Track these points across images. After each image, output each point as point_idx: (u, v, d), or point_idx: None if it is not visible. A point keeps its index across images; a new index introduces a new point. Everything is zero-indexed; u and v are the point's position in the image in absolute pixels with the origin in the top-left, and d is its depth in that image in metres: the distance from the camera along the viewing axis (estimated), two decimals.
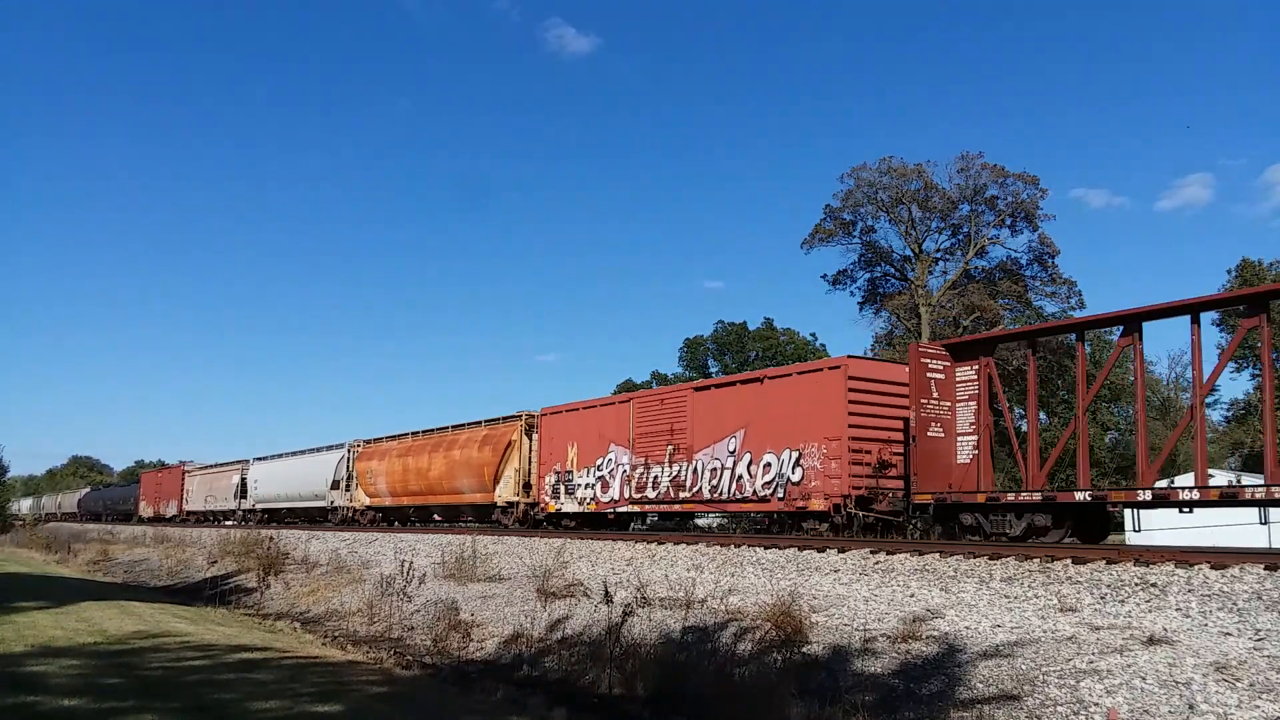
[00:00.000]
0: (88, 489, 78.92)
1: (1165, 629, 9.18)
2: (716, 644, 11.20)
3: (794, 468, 18.17)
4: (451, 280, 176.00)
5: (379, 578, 17.97)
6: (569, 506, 24.34)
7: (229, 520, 43.74)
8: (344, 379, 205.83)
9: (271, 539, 25.76)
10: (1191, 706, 7.42)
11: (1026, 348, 16.65)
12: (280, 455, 42.25)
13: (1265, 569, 10.03)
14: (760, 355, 62.84)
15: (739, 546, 16.39)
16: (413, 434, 32.80)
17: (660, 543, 18.08)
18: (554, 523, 24.82)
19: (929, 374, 16.68)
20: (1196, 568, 10.57)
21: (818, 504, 17.53)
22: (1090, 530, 14.87)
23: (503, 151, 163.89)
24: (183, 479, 51.71)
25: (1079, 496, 14.08)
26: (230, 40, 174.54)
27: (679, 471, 20.83)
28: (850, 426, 17.31)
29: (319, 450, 38.51)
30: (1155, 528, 22.34)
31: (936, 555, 13.26)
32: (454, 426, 30.78)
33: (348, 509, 34.84)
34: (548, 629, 13.53)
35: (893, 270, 49.84)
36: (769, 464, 18.75)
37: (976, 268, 47.67)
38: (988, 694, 8.50)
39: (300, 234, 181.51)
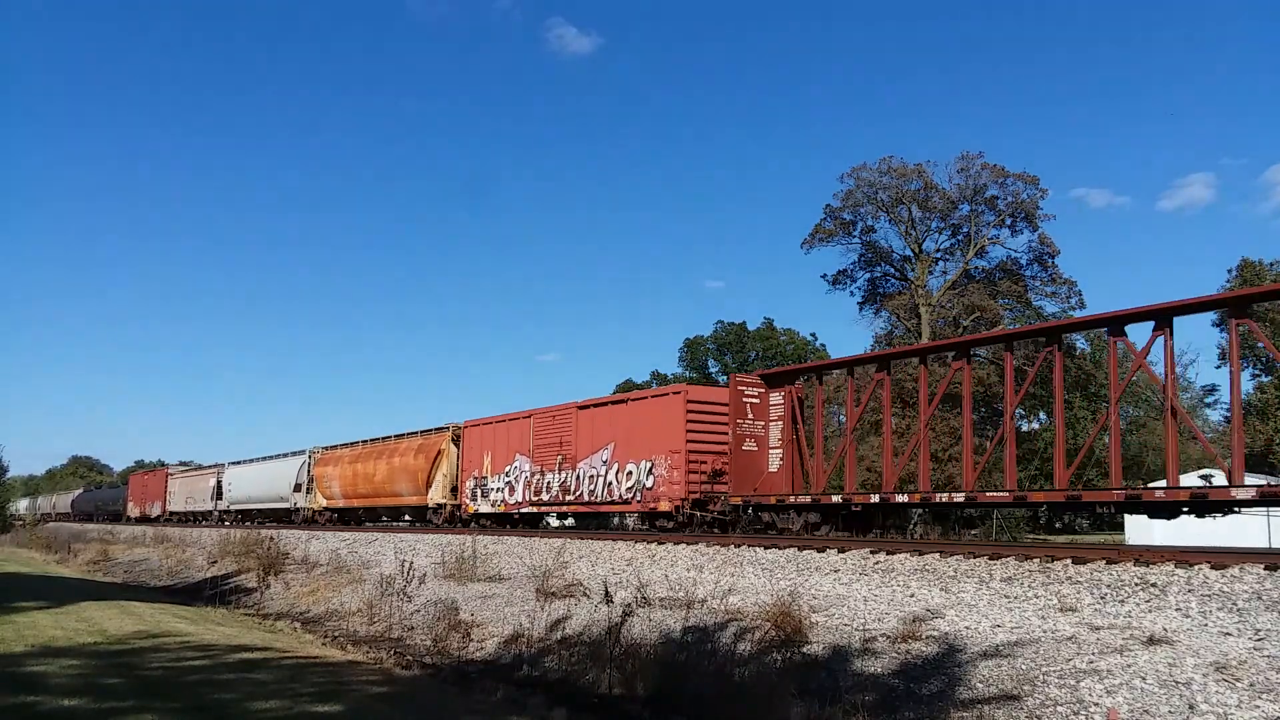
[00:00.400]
0: (80, 490, 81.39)
1: (1165, 629, 9.18)
2: (716, 644, 11.20)
3: (648, 475, 21.46)
4: (453, 279, 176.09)
5: (379, 578, 17.97)
6: (484, 508, 27.62)
7: (206, 520, 46.75)
8: (344, 378, 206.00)
9: (271, 539, 25.78)
10: (1191, 706, 7.42)
11: (845, 375, 20.11)
12: (251, 460, 45.26)
13: (1265, 569, 10.03)
14: (760, 355, 62.85)
15: (739, 546, 16.40)
16: (362, 442, 35.79)
17: (660, 543, 18.09)
18: (475, 521, 27.78)
19: (745, 399, 20.02)
20: (1196, 568, 10.56)
21: (664, 505, 20.78)
22: (857, 526, 18.40)
23: (503, 151, 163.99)
24: (166, 482, 54.63)
25: (834, 499, 17.96)
26: (232, 39, 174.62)
27: (566, 478, 24.08)
28: (688, 442, 20.61)
29: (284, 456, 41.34)
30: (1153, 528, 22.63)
31: (936, 555, 13.26)
32: (396, 436, 33.65)
33: (308, 510, 37.88)
34: (548, 629, 13.53)
35: (893, 270, 49.86)
36: (631, 472, 22.02)
37: (976, 268, 47.69)
38: (988, 694, 8.50)
39: (301, 233, 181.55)
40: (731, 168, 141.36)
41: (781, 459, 19.91)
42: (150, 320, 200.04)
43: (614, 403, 23.74)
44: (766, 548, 15.88)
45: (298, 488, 38.88)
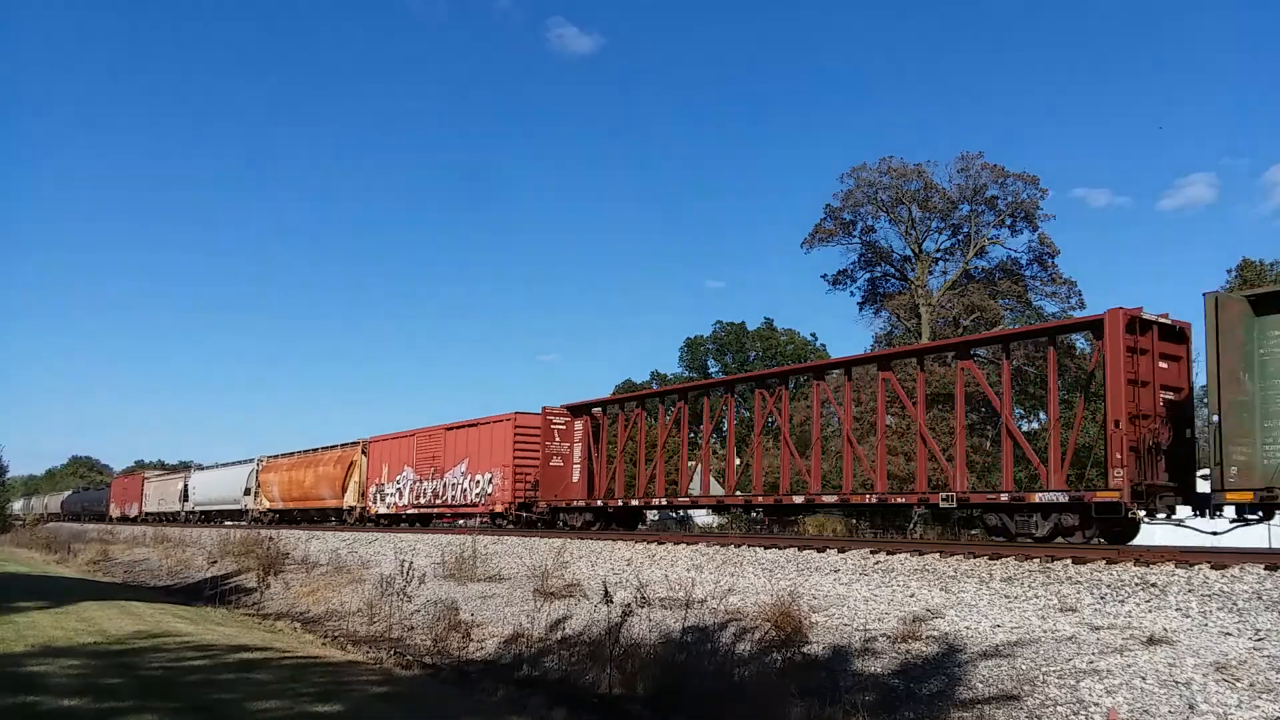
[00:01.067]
0: (69, 492, 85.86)
1: (1165, 629, 9.18)
2: (716, 644, 11.21)
3: (489, 484, 27.43)
4: (453, 280, 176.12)
5: (379, 578, 17.97)
6: (381, 509, 33.58)
7: (174, 520, 51.28)
8: (345, 378, 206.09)
9: (271, 539, 25.79)
10: (1191, 706, 7.42)
11: (636, 407, 25.37)
12: (212, 467, 51.83)
13: (1265, 569, 10.03)
14: (760, 355, 62.84)
15: (739, 546, 16.41)
16: (298, 453, 40.98)
17: (660, 543, 18.09)
18: (376, 521, 33.75)
19: (553, 425, 26.29)
20: (1196, 568, 10.57)
21: (499, 507, 26.78)
22: (625, 523, 24.52)
23: (504, 151, 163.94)
24: (142, 485, 59.96)
25: (599, 502, 24.36)
26: (232, 38, 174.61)
27: (436, 486, 30.34)
28: (515, 458, 26.57)
29: (237, 464, 47.49)
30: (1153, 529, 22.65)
31: (936, 555, 13.26)
32: (322, 448, 39.09)
33: (254, 510, 42.77)
34: (548, 629, 13.53)
35: (893, 270, 49.85)
36: (479, 481, 28.09)
37: (976, 268, 47.68)
38: (988, 694, 8.50)
39: (301, 233, 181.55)
40: (732, 167, 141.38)
41: (579, 472, 26.23)
42: (150, 320, 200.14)
43: (469, 425, 29.20)
44: (766, 548, 15.88)
45: (247, 491, 43.91)
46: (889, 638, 10.40)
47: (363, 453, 35.01)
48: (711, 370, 63.62)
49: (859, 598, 12.23)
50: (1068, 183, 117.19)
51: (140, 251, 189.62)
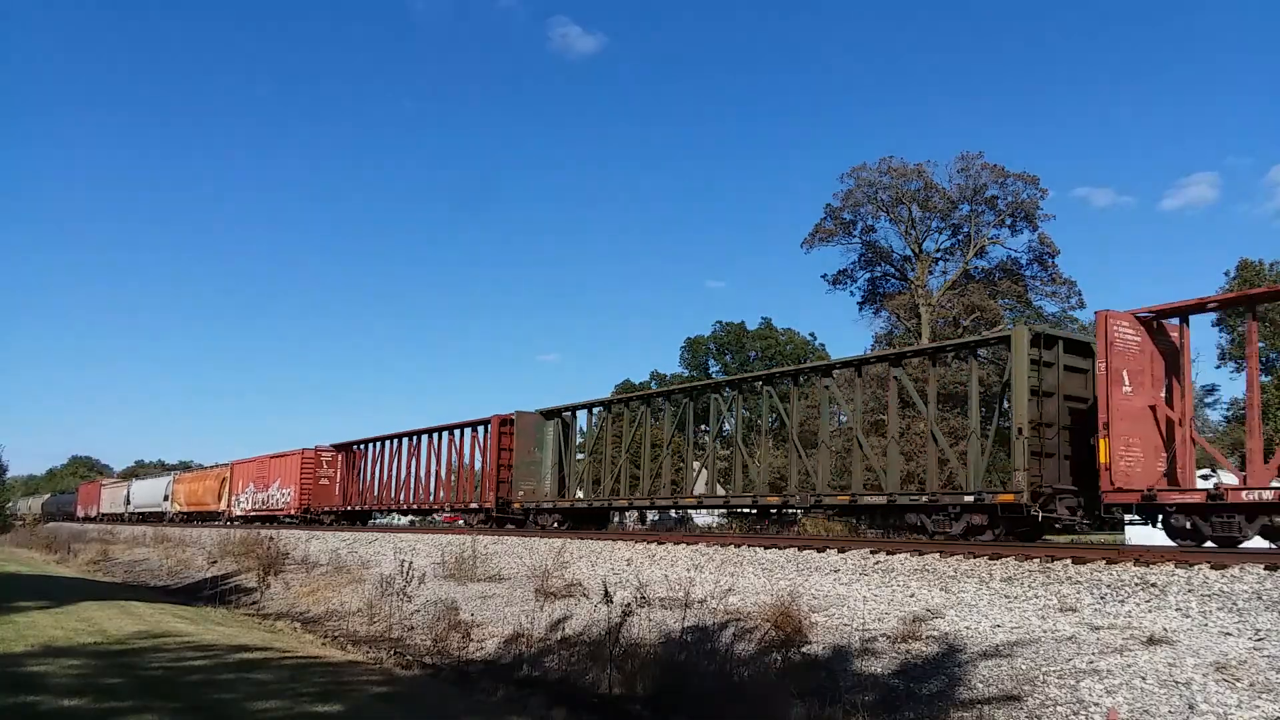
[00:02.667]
0: (49, 495, 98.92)
1: (1165, 629, 9.18)
2: (716, 644, 11.20)
3: (287, 495, 39.62)
4: (454, 279, 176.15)
5: (379, 578, 17.97)
6: (237, 511, 45.58)
7: (121, 519, 61.78)
8: (346, 378, 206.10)
9: (271, 539, 25.76)
10: (1191, 706, 7.42)
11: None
12: (145, 478, 68.58)
13: (1265, 569, 10.03)
14: (760, 355, 62.85)
15: (738, 546, 16.41)
16: (197, 468, 59.32)
17: (660, 543, 18.09)
18: (232, 521, 44.54)
19: (323, 458, 39.08)
20: (1196, 568, 10.56)
21: (293, 511, 38.75)
22: (358, 519, 36.13)
23: (506, 151, 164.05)
24: (99, 491, 72.72)
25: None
26: (233, 38, 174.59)
27: (264, 496, 42.24)
28: (300, 479, 38.79)
29: (161, 474, 65.42)
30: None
31: (936, 555, 13.26)
32: (210, 467, 53.50)
33: (170, 512, 54.71)
34: (548, 629, 13.53)
35: (893, 270, 49.87)
36: (283, 493, 40.02)
37: (976, 268, 47.70)
38: (988, 694, 8.50)
39: (302, 234, 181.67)
40: (733, 167, 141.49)
41: (338, 489, 37.21)
42: (150, 319, 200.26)
43: (279, 456, 41.07)
44: (766, 548, 15.88)
45: (166, 498, 56.01)
46: (889, 638, 10.40)
47: (230, 473, 47.47)
48: (712, 370, 63.63)
49: (859, 598, 12.23)
50: (1070, 182, 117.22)
51: (140, 251, 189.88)
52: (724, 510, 29.29)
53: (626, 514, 30.63)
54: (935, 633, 10.28)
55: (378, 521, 40.09)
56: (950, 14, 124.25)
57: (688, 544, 17.60)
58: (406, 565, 16.98)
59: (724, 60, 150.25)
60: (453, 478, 30.98)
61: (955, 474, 17.52)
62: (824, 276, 51.50)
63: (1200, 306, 14.69)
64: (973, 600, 11.19)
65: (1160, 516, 13.29)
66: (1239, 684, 7.66)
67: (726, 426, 24.84)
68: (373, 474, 35.60)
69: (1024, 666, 8.84)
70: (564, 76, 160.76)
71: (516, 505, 26.86)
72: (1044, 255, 46.38)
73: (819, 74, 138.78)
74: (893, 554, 13.80)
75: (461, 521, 30.93)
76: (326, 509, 37.55)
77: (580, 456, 29.69)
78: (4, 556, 37.72)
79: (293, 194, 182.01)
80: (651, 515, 32.40)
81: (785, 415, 21.37)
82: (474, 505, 28.25)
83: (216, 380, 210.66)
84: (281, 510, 39.77)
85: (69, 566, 35.67)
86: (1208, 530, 12.66)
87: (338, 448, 38.66)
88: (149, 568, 33.23)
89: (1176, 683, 7.85)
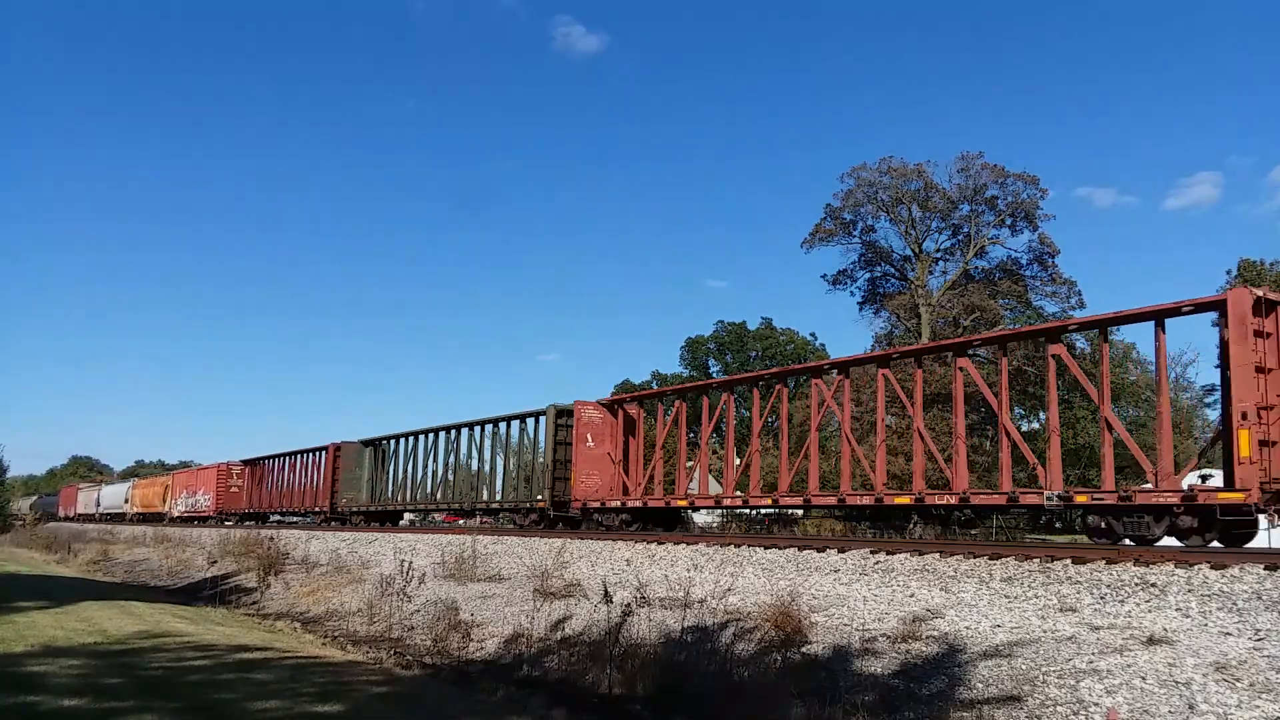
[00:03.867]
0: (36, 496, 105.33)
1: (1165, 629, 9.18)
2: (716, 644, 11.20)
3: (207, 500, 48.78)
4: (454, 279, 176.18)
5: (379, 578, 17.96)
6: (175, 514, 54.42)
7: (92, 519, 70.75)
8: (346, 378, 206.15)
9: (271, 539, 25.77)
10: (1191, 706, 7.42)
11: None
12: (111, 484, 79.28)
13: (1265, 569, 10.04)
14: (760, 355, 62.85)
15: (738, 546, 16.41)
16: (149, 478, 72.15)
17: (660, 543, 18.09)
18: (172, 521, 53.25)
19: (233, 470, 48.73)
20: (1196, 568, 10.57)
21: (210, 513, 47.96)
22: (256, 518, 45.23)
23: (507, 150, 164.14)
24: (76, 493, 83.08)
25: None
26: (234, 39, 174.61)
27: (192, 500, 51.89)
28: (216, 487, 48.16)
29: (124, 481, 75.74)
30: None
31: (936, 555, 13.26)
32: (156, 475, 68.89)
33: (129, 513, 63.43)
34: (548, 629, 13.52)
35: (893, 270, 49.89)
36: (205, 498, 48.99)
37: (976, 268, 47.72)
38: (988, 694, 8.50)
39: (302, 234, 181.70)
40: (735, 166, 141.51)
41: (244, 493, 48.33)
42: (150, 320, 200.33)
43: (203, 469, 52.51)
44: (766, 547, 15.88)
45: (126, 500, 65.71)
46: (889, 638, 10.40)
47: (171, 481, 58.52)
48: (712, 370, 63.62)
49: (859, 598, 12.23)
50: (1072, 182, 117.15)
51: (140, 251, 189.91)
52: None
53: (407, 514, 38.97)
54: (935, 633, 10.28)
55: (271, 520, 46.29)
56: (951, 14, 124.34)
57: (688, 544, 17.60)
58: (406, 565, 16.97)
59: (725, 60, 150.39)
60: (312, 487, 40.30)
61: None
62: (824, 276, 51.58)
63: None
64: (973, 600, 11.20)
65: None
66: (1239, 684, 7.66)
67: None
68: (271, 483, 45.63)
69: (1024, 666, 8.84)
70: (566, 76, 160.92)
71: (341, 507, 37.09)
72: (1044, 255, 46.44)
73: (819, 74, 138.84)
74: (892, 554, 13.80)
75: (305, 518, 41.34)
76: (234, 511, 47.82)
77: (389, 473, 36.36)
78: (4, 556, 37.72)
79: (293, 194, 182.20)
80: (411, 516, 39.78)
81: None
82: (316, 509, 38.98)
83: (216, 380, 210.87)
84: (203, 512, 49.65)
85: (69, 566, 35.67)
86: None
87: (245, 463, 49.21)
88: (149, 568, 33.23)
89: (1176, 683, 7.85)
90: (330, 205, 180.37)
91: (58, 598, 17.56)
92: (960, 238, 47.70)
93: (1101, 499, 14.05)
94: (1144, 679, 8.02)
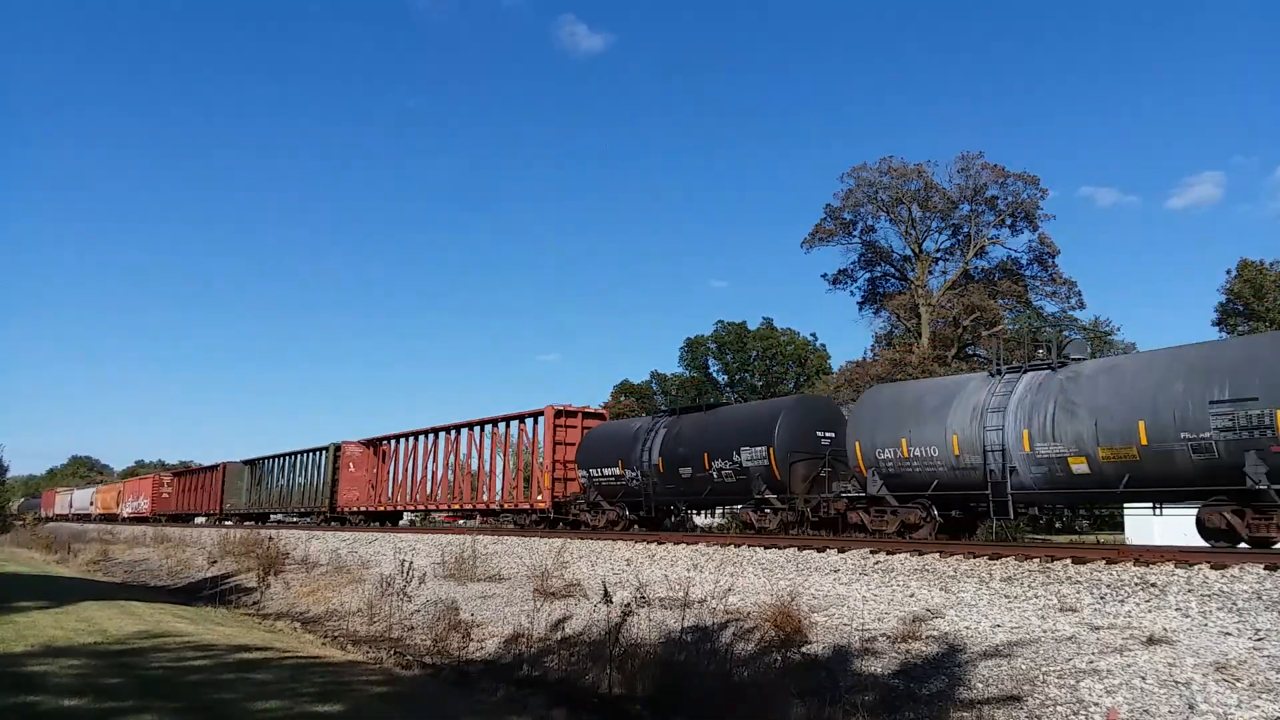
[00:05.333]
0: (23, 499, 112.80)
1: (1165, 629, 9.19)
2: (716, 644, 11.21)
3: (144, 504, 61.10)
4: (455, 278, 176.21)
5: (379, 578, 17.96)
6: (124, 514, 63.55)
7: (65, 519, 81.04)
8: (346, 379, 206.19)
9: (271, 539, 25.78)
10: (1191, 706, 7.42)
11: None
12: (79, 489, 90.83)
13: (1265, 569, 10.04)
14: (760, 355, 62.81)
15: (738, 546, 16.41)
16: (108, 485, 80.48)
17: (660, 543, 18.09)
18: (121, 520, 62.63)
19: (163, 479, 62.99)
20: (1196, 568, 10.57)
21: (149, 513, 58.78)
22: (181, 520, 56.39)
23: (509, 150, 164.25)
24: (54, 496, 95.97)
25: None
26: (236, 38, 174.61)
27: (133, 504, 63.47)
28: (152, 493, 60.25)
29: (90, 488, 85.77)
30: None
31: (936, 555, 13.26)
32: (115, 482, 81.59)
33: (94, 514, 73.73)
34: (548, 629, 13.52)
35: (893, 270, 49.86)
36: (143, 502, 61.19)
37: (976, 268, 47.67)
38: (988, 694, 8.50)
39: (303, 233, 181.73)
40: (738, 167, 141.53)
41: (173, 497, 60.36)
42: (150, 319, 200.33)
43: (141, 479, 65.39)
44: (766, 548, 15.89)
45: (92, 503, 76.49)
46: (889, 638, 10.40)
47: (123, 487, 70.31)
48: (712, 370, 63.63)
49: (859, 598, 12.23)
50: (1075, 181, 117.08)
51: (140, 252, 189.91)
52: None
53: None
54: (935, 633, 10.28)
55: (197, 521, 54.62)
56: (952, 14, 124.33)
57: (688, 544, 17.60)
58: (406, 565, 16.97)
59: (727, 61, 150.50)
60: (214, 494, 51.58)
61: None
62: (824, 276, 51.47)
63: None
64: (973, 600, 11.20)
65: None
66: (1239, 684, 7.66)
67: None
68: (189, 491, 57.20)
69: (1024, 666, 8.84)
70: (569, 76, 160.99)
71: (228, 510, 48.77)
72: (1044, 255, 46.38)
73: (820, 74, 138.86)
74: (892, 554, 13.80)
75: (209, 517, 52.87)
76: (165, 513, 57.91)
77: (262, 484, 46.90)
78: (4, 556, 37.73)
79: (294, 193, 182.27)
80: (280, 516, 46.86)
81: None
82: (211, 511, 51.68)
83: (216, 380, 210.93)
84: (143, 513, 60.32)
85: (69, 566, 35.67)
86: None
87: (175, 473, 63.23)
88: (149, 568, 33.24)
89: (1176, 683, 7.85)
90: (331, 204, 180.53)
91: (58, 598, 17.56)
92: (960, 238, 47.70)
93: None
94: (1144, 679, 8.02)
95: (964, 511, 16.75)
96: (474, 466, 29.77)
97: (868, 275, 50.70)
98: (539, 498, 25.73)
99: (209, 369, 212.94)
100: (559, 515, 25.28)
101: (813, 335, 64.25)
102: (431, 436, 32.07)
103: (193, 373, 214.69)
